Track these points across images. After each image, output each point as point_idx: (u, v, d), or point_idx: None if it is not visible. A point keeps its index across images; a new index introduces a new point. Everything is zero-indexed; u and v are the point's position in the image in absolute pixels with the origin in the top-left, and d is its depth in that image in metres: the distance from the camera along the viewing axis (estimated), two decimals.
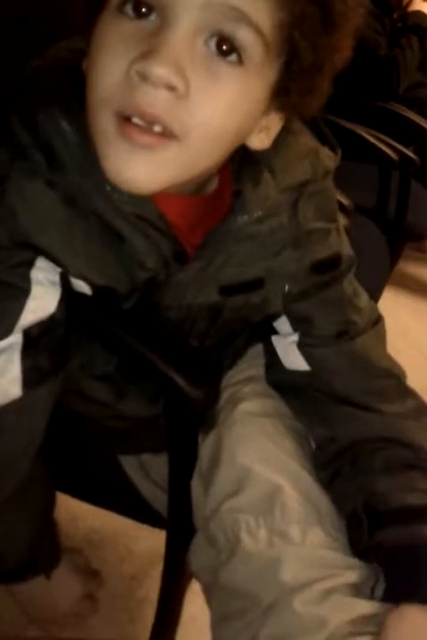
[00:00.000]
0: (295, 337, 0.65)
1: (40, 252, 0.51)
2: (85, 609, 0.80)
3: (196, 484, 0.63)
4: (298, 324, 0.64)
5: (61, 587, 0.71)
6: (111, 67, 0.45)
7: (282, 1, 0.45)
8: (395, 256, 1.76)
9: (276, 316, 0.65)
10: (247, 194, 0.55)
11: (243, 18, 0.44)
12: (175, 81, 0.43)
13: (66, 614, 0.74)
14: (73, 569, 0.73)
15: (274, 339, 0.67)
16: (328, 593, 0.53)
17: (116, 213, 0.51)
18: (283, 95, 0.50)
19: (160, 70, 0.43)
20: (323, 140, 0.62)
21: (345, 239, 0.66)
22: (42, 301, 0.52)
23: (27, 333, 0.52)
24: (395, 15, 2.00)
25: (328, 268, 0.63)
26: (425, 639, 0.51)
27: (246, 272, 0.59)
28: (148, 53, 0.43)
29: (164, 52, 0.43)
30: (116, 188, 0.50)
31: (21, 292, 0.51)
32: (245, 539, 0.57)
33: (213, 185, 0.57)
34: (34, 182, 0.50)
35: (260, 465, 0.60)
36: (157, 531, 0.73)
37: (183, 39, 0.44)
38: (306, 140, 0.59)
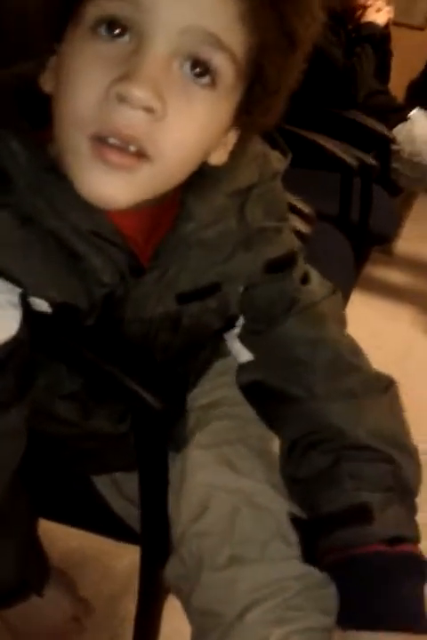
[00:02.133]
0: (237, 329, 0.66)
1: None
2: (72, 629, 0.79)
3: (172, 503, 0.64)
4: (243, 309, 0.65)
5: (51, 604, 0.70)
6: (87, 89, 0.45)
7: (255, 31, 0.47)
8: (361, 260, 1.79)
9: (234, 319, 0.66)
10: (192, 202, 0.56)
11: (219, 44, 0.46)
12: (154, 103, 0.44)
13: (53, 633, 0.73)
14: (62, 588, 0.73)
15: (225, 336, 0.68)
16: (276, 608, 0.55)
17: (71, 231, 0.52)
18: (244, 114, 0.52)
19: (139, 93, 0.44)
20: (273, 145, 0.63)
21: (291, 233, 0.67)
22: (3, 323, 0.53)
23: None
24: (349, 26, 2.05)
25: (283, 266, 0.64)
26: None
27: (201, 278, 0.60)
28: (126, 76, 0.44)
29: (143, 75, 0.44)
30: (70, 206, 0.51)
31: None
32: (207, 561, 0.59)
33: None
34: None
35: (218, 490, 0.61)
36: (135, 549, 0.73)
37: (160, 62, 0.45)
38: (254, 144, 0.61)
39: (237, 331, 0.67)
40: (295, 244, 0.66)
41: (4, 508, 0.59)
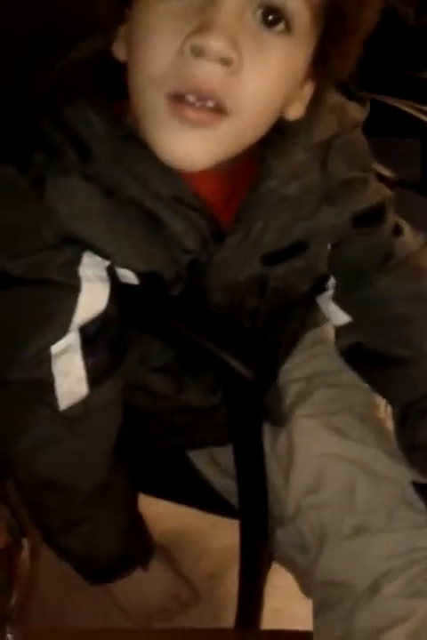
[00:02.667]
0: (330, 291, 0.64)
1: (85, 245, 0.52)
2: (175, 606, 0.80)
3: (276, 477, 0.64)
4: (335, 268, 0.63)
5: (156, 579, 0.71)
6: (162, 46, 0.45)
7: None
8: None
9: (324, 281, 0.64)
10: (272, 158, 0.54)
11: None
12: (231, 53, 0.44)
13: (156, 608, 0.74)
14: (165, 564, 0.73)
15: (318, 300, 0.66)
16: (415, 579, 0.53)
17: (152, 198, 0.52)
18: (321, 63, 0.50)
19: (217, 44, 0.43)
20: (349, 96, 0.61)
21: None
22: (92, 297, 0.54)
23: (83, 331, 0.54)
24: None
25: (372, 219, 0.62)
26: None
27: (286, 237, 0.58)
28: (201, 28, 0.43)
29: (218, 26, 0.43)
30: (150, 173, 0.50)
31: (72, 289, 0.53)
32: (332, 531, 0.58)
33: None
34: (70, 178, 0.51)
35: (332, 460, 0.60)
36: (233, 526, 0.73)
37: (233, 12, 0.44)
38: (330, 95, 0.58)
39: (330, 292, 0.65)
40: (385, 194, 0.64)
41: (105, 481, 0.60)
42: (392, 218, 0.64)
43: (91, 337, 0.54)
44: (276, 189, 0.55)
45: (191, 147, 0.47)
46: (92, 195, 0.51)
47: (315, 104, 0.54)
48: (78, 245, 0.53)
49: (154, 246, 0.54)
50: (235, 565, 0.74)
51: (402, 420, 0.61)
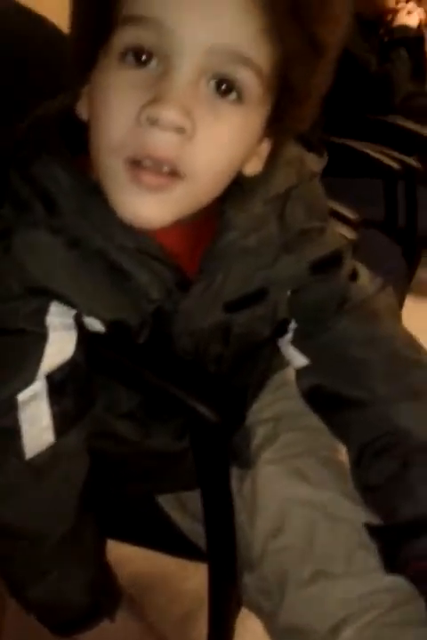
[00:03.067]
0: (289, 335, 0.66)
1: (52, 296, 0.54)
2: None
3: (246, 521, 0.64)
4: (293, 313, 0.65)
5: (122, 629, 0.70)
6: (119, 116, 0.47)
7: (279, 42, 0.47)
8: (412, 265, 1.75)
9: (285, 325, 0.66)
10: (231, 212, 0.56)
11: (243, 60, 0.47)
12: (183, 123, 0.46)
13: None
14: (132, 612, 0.73)
15: (279, 342, 0.68)
16: (373, 623, 0.54)
17: (117, 250, 0.54)
18: (276, 123, 0.53)
19: (169, 114, 0.45)
20: (309, 147, 0.63)
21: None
22: (60, 345, 0.55)
23: (50, 379, 0.54)
24: (381, 31, 2.04)
25: (329, 266, 0.64)
26: None
27: (247, 285, 0.60)
28: (156, 99, 0.46)
29: (172, 97, 0.45)
30: (115, 227, 0.52)
31: (39, 338, 0.54)
32: (291, 577, 0.58)
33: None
34: (37, 232, 0.53)
35: (293, 504, 0.61)
36: (203, 570, 0.73)
37: (187, 83, 0.46)
38: (289, 148, 0.61)
39: (289, 336, 0.67)
40: (341, 242, 0.66)
41: (73, 527, 0.61)
42: (350, 263, 0.66)
43: (57, 384, 0.55)
44: (235, 242, 0.57)
45: (149, 209, 0.49)
46: (58, 247, 0.53)
47: (273, 158, 0.57)
48: (45, 296, 0.54)
49: (119, 296, 0.55)
50: (206, 608, 0.74)
51: (357, 462, 0.62)
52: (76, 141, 0.54)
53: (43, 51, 0.80)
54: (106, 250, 0.54)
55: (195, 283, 0.58)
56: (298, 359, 0.67)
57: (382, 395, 0.61)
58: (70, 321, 0.55)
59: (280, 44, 0.47)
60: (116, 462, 0.68)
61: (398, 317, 0.68)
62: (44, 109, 0.57)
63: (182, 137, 0.46)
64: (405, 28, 2.01)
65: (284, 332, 0.67)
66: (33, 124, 0.57)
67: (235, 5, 0.46)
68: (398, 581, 0.56)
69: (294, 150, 0.62)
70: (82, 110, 0.53)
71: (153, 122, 0.46)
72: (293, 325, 0.67)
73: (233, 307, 0.60)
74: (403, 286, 1.53)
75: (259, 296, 0.61)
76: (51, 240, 0.53)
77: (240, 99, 0.48)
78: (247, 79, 0.47)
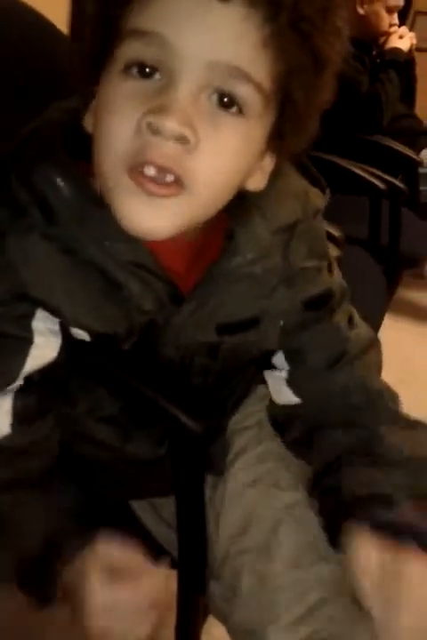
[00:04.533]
0: (284, 373, 0.66)
1: (39, 303, 0.53)
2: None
3: (213, 526, 0.65)
4: (290, 356, 0.66)
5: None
6: (123, 125, 0.47)
7: (279, 55, 0.48)
8: (392, 284, 1.78)
9: (273, 352, 0.66)
10: (240, 236, 0.57)
11: (244, 76, 0.47)
12: (185, 131, 0.46)
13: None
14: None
15: (266, 373, 0.68)
16: (322, 627, 0.55)
17: (112, 262, 0.54)
18: (278, 138, 0.53)
19: (171, 123, 0.46)
20: (311, 180, 0.64)
21: (337, 271, 0.67)
22: (43, 350, 0.55)
23: (27, 378, 0.55)
24: (373, 53, 2.08)
25: (320, 304, 0.64)
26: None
27: (242, 311, 0.60)
28: (158, 108, 0.46)
29: (173, 107, 0.46)
30: (111, 238, 0.52)
31: (24, 342, 0.54)
32: (245, 579, 0.59)
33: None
34: (32, 236, 0.52)
35: (259, 507, 0.62)
36: (172, 575, 0.73)
37: (189, 95, 0.47)
38: (295, 181, 0.62)
39: (283, 375, 0.66)
40: (335, 283, 0.66)
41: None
42: (347, 309, 0.67)
43: (28, 381, 0.55)
44: (242, 267, 0.57)
45: (152, 218, 0.49)
46: (52, 254, 0.53)
47: (277, 178, 0.57)
48: (33, 302, 0.54)
49: (110, 307, 0.55)
50: (173, 614, 0.74)
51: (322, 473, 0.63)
52: (81, 147, 0.54)
53: (43, 49, 0.80)
54: (101, 261, 0.54)
55: (188, 300, 0.58)
56: (289, 397, 0.66)
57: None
58: (56, 327, 0.55)
59: (281, 58, 0.48)
60: (94, 466, 0.68)
61: (381, 369, 0.69)
62: (48, 115, 0.57)
63: (185, 147, 0.47)
64: (396, 50, 2.04)
65: (269, 358, 0.67)
66: (36, 130, 0.56)
67: (234, 20, 0.46)
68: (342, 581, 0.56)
69: (299, 184, 0.62)
70: (88, 124, 0.53)
71: (155, 131, 0.46)
72: (286, 365, 0.66)
73: (225, 329, 0.60)
74: (382, 304, 1.55)
75: (251, 324, 0.61)
76: (45, 247, 0.53)
77: (241, 112, 0.49)
78: (247, 94, 0.48)
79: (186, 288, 0.58)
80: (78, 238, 0.53)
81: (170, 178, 0.48)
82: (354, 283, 0.82)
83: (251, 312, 0.61)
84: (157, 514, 0.73)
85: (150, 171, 0.47)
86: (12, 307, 0.53)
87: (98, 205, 0.52)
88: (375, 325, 1.54)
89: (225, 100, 0.48)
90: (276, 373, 0.67)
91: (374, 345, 0.68)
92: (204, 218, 0.52)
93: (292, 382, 0.66)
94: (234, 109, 0.48)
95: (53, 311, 0.54)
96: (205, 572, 0.66)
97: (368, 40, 2.03)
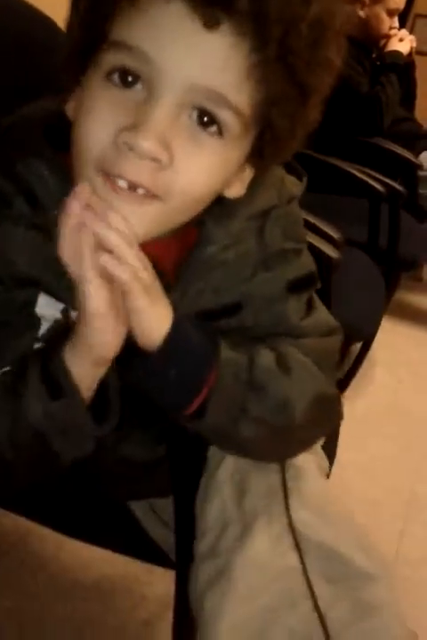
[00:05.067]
0: None
1: (40, 286, 0.54)
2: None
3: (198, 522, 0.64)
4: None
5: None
6: (99, 131, 0.48)
7: (262, 84, 0.48)
8: (391, 286, 1.79)
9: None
10: (212, 226, 0.57)
11: (225, 102, 0.47)
12: (159, 154, 0.46)
13: None
14: None
15: None
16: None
17: None
18: (257, 156, 0.54)
19: (146, 144, 0.46)
20: (289, 169, 0.64)
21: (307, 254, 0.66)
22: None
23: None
24: (373, 56, 2.08)
25: (304, 286, 0.64)
26: None
27: (223, 297, 0.60)
28: (135, 126, 0.46)
29: (150, 127, 0.46)
30: None
31: (30, 327, 0.55)
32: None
33: None
34: (19, 227, 0.53)
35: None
36: (169, 574, 0.73)
37: (168, 113, 0.47)
38: (271, 170, 0.61)
39: None
40: (313, 267, 0.66)
41: None
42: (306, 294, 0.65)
43: None
44: (214, 255, 0.58)
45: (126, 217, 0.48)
46: (41, 243, 0.53)
47: (255, 180, 0.57)
48: (33, 287, 0.54)
49: None
50: (169, 613, 0.74)
51: None
52: (60, 141, 0.54)
53: (42, 44, 0.80)
54: None
55: (173, 289, 0.58)
56: None
57: None
58: (58, 314, 0.55)
59: (264, 86, 0.48)
60: (91, 467, 0.68)
61: (332, 367, 0.65)
62: (28, 108, 0.58)
63: (159, 165, 0.47)
64: (396, 53, 2.05)
65: None
66: (17, 123, 0.57)
67: (221, 47, 0.46)
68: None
69: (275, 171, 0.62)
70: (70, 110, 0.54)
71: (130, 147, 0.46)
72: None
73: (207, 316, 0.60)
74: (381, 306, 1.56)
75: (234, 309, 0.61)
76: (34, 235, 0.53)
77: (221, 133, 0.49)
78: (227, 118, 0.48)
79: (171, 278, 0.58)
80: None
81: (141, 191, 0.48)
82: (353, 285, 0.83)
83: (231, 298, 0.60)
84: (154, 513, 0.73)
85: (123, 183, 0.48)
86: (14, 294, 0.54)
87: None
88: (374, 327, 1.54)
89: (205, 119, 0.48)
90: None
91: (326, 336, 0.65)
92: (179, 223, 0.53)
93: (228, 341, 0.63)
94: (213, 129, 0.49)
95: (52, 294, 0.54)
96: None
97: (368, 42, 2.03)
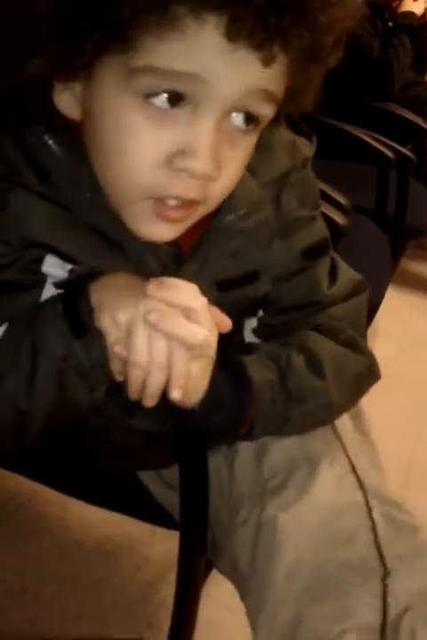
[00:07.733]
0: (254, 322, 0.66)
1: (50, 249, 0.54)
2: None
3: (217, 501, 0.65)
4: (270, 303, 0.65)
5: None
6: (146, 154, 0.48)
7: (296, 72, 0.49)
8: (397, 254, 1.77)
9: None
10: (233, 195, 0.56)
11: (270, 96, 0.49)
12: (214, 172, 0.48)
13: None
14: None
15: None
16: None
17: (112, 224, 0.53)
18: (273, 121, 0.54)
19: (203, 167, 0.47)
20: (298, 131, 0.64)
21: (321, 221, 0.67)
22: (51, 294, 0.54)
23: None
24: (386, 16, 2.03)
25: (318, 253, 0.65)
26: None
27: (240, 266, 0.61)
28: (188, 150, 0.47)
29: (204, 148, 0.47)
30: (108, 203, 0.53)
31: (36, 285, 0.54)
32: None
33: None
34: (30, 193, 0.53)
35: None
36: (171, 536, 0.74)
37: (215, 127, 0.47)
38: (282, 133, 0.62)
39: (253, 322, 0.66)
40: (327, 234, 0.67)
41: None
42: (327, 260, 0.66)
43: None
44: (233, 224, 0.58)
45: (166, 234, 0.53)
46: (51, 211, 0.53)
47: (268, 141, 0.58)
48: (42, 248, 0.54)
49: (121, 262, 0.55)
50: (171, 574, 0.75)
51: None
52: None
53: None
54: (100, 223, 0.54)
55: (188, 260, 0.58)
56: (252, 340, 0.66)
57: None
58: (65, 274, 0.55)
59: (294, 66, 0.49)
60: (99, 436, 0.67)
61: (363, 323, 0.68)
62: (30, 67, 0.55)
63: (209, 179, 0.49)
64: (409, 14, 2.00)
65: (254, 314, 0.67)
66: (21, 85, 0.55)
67: (262, 54, 0.46)
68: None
69: (285, 135, 0.63)
70: (69, 108, 0.52)
71: (186, 172, 0.48)
72: (259, 313, 0.66)
73: (225, 285, 0.60)
74: (387, 274, 1.55)
75: (250, 278, 0.62)
76: (43, 204, 0.53)
77: (256, 126, 0.51)
78: (267, 111, 0.50)
79: (187, 248, 0.58)
80: (76, 203, 0.53)
81: (188, 202, 0.50)
82: (360, 252, 0.82)
83: (249, 266, 0.61)
84: (160, 477, 0.73)
85: (173, 202, 0.50)
86: (23, 254, 0.53)
87: (90, 167, 0.52)
88: (379, 295, 1.53)
89: (248, 119, 0.49)
90: (249, 321, 0.67)
91: (354, 295, 0.67)
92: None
93: (258, 331, 0.66)
94: (251, 126, 0.50)
95: (63, 256, 0.54)
96: (206, 533, 0.66)
97: (381, 2, 1.98)
